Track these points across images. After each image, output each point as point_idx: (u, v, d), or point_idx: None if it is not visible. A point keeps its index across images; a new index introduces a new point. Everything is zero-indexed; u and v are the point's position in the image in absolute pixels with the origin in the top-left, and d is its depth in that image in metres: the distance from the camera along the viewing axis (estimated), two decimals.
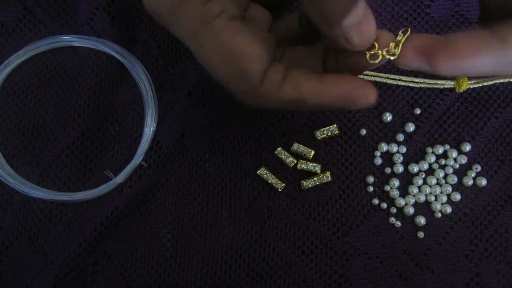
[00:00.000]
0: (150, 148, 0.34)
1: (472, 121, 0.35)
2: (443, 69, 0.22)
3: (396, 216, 0.34)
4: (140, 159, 0.34)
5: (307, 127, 0.35)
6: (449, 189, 0.34)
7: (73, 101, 0.35)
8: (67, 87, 0.36)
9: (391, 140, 0.35)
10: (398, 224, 0.34)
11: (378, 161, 0.35)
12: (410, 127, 0.35)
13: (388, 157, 0.35)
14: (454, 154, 0.35)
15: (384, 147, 0.35)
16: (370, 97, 0.25)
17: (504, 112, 0.35)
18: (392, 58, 0.24)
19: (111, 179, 0.34)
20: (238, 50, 0.24)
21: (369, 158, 0.35)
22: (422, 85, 0.35)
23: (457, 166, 0.35)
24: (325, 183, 0.34)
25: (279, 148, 0.35)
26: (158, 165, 0.34)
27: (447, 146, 0.35)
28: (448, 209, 0.34)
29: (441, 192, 0.34)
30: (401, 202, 0.34)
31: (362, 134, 0.35)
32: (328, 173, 0.34)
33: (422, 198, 0.34)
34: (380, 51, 0.24)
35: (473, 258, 0.34)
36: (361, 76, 0.35)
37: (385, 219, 0.34)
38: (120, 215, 0.34)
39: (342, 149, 0.35)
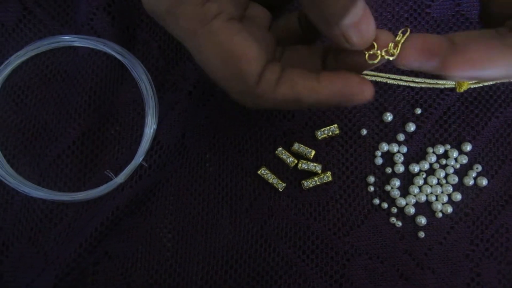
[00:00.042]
0: (151, 148, 0.34)
1: (472, 121, 0.35)
2: (456, 74, 0.22)
3: (397, 216, 0.34)
4: (141, 159, 0.34)
5: (307, 127, 0.35)
6: (450, 189, 0.34)
7: (73, 101, 0.35)
8: (68, 87, 0.36)
9: (392, 140, 0.35)
10: (399, 224, 0.34)
11: (379, 161, 0.35)
12: (411, 127, 0.35)
13: (388, 157, 0.35)
14: (455, 154, 0.35)
15: (384, 147, 0.35)
16: (367, 93, 0.25)
17: (504, 112, 0.35)
18: (391, 58, 0.24)
19: (111, 179, 0.34)
20: (235, 51, 0.24)
21: (369, 158, 0.35)
22: (423, 85, 0.35)
23: (458, 166, 0.35)
24: (326, 183, 0.34)
25: (280, 148, 0.35)
26: (158, 165, 0.34)
27: (448, 146, 0.35)
28: (449, 209, 0.34)
29: (442, 192, 0.34)
30: (402, 202, 0.34)
31: (363, 134, 0.35)
32: (328, 173, 0.34)
33: (423, 198, 0.34)
34: (379, 52, 0.24)
35: (474, 258, 0.34)
36: (362, 75, 0.35)
37: (386, 219, 0.34)
38: (121, 215, 0.34)
39: (342, 149, 0.35)
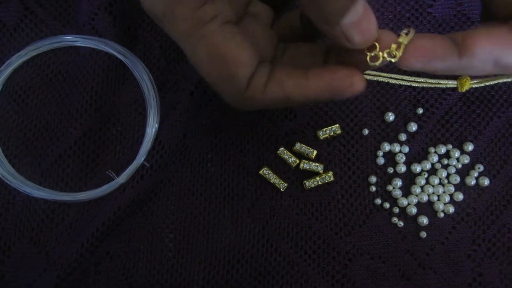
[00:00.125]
0: (152, 148, 0.34)
1: (474, 121, 0.35)
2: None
3: (398, 216, 0.34)
4: (142, 159, 0.34)
5: (309, 127, 0.35)
6: (452, 189, 0.34)
7: (75, 101, 0.35)
8: (69, 87, 0.36)
9: (393, 140, 0.35)
10: (401, 224, 0.34)
11: (381, 161, 0.35)
12: (413, 127, 0.35)
13: (390, 157, 0.35)
14: (456, 154, 0.35)
15: (386, 147, 0.35)
16: (357, 85, 0.25)
17: (506, 112, 0.35)
18: (393, 60, 0.23)
19: (113, 179, 0.34)
20: (227, 55, 0.24)
21: (371, 158, 0.35)
22: (425, 85, 0.35)
23: (459, 166, 0.35)
24: (328, 183, 0.34)
25: (282, 148, 0.35)
26: (160, 165, 0.34)
27: (450, 146, 0.35)
28: (451, 209, 0.34)
29: (444, 192, 0.34)
30: (403, 202, 0.34)
31: (365, 134, 0.35)
32: (330, 173, 0.34)
33: (425, 198, 0.34)
34: (381, 53, 0.24)
35: (475, 258, 0.34)
36: (364, 75, 0.35)
37: (387, 219, 0.34)
38: (123, 215, 0.34)
39: (344, 149, 0.35)
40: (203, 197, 0.35)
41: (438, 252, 0.34)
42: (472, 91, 0.35)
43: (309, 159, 0.35)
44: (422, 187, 0.34)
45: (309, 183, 0.34)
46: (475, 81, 0.35)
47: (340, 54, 0.26)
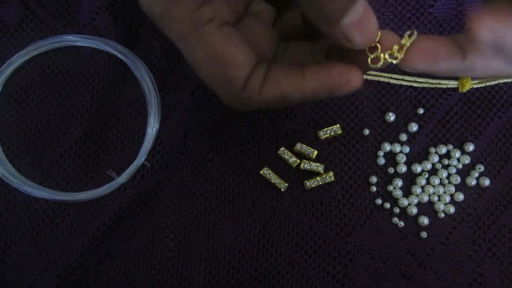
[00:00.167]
0: (153, 148, 0.34)
1: (475, 121, 0.35)
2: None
3: (399, 216, 0.34)
4: (143, 159, 0.34)
5: (310, 127, 0.35)
6: (452, 189, 0.34)
7: (75, 101, 0.35)
8: (70, 87, 0.36)
9: (394, 140, 0.35)
10: (401, 224, 0.34)
11: (381, 161, 0.35)
12: (413, 127, 0.35)
13: (391, 157, 0.35)
14: (457, 154, 0.35)
15: (387, 147, 0.35)
16: (354, 81, 0.24)
17: (507, 112, 0.35)
18: (394, 62, 0.23)
19: (114, 179, 0.34)
20: (224, 56, 0.24)
21: (372, 158, 0.35)
22: (425, 85, 0.35)
23: (460, 166, 0.35)
24: (328, 183, 0.34)
25: (282, 148, 0.35)
26: (161, 165, 0.34)
27: (450, 146, 0.35)
28: (451, 209, 0.34)
29: (444, 192, 0.34)
30: (404, 202, 0.34)
31: (365, 134, 0.35)
32: (331, 173, 0.34)
33: (425, 198, 0.34)
34: (382, 54, 0.23)
35: (476, 258, 0.34)
36: (365, 75, 0.35)
37: (388, 219, 0.34)
38: (123, 215, 0.34)
39: (345, 149, 0.35)
40: (203, 197, 0.35)
41: (438, 252, 0.34)
42: (472, 91, 0.36)
43: (309, 159, 0.35)
44: (422, 187, 0.34)
45: (310, 183, 0.34)
46: (475, 82, 0.35)
47: (341, 54, 0.26)
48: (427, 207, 0.34)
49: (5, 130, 0.35)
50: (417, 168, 0.35)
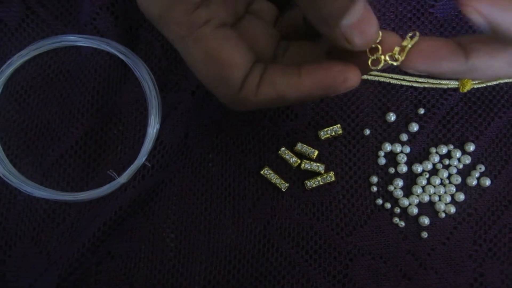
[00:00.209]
0: (154, 148, 0.34)
1: (476, 121, 0.35)
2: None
3: (400, 216, 0.34)
4: (144, 159, 0.34)
5: (310, 127, 0.35)
6: (453, 189, 0.34)
7: (76, 101, 0.35)
8: (71, 86, 0.36)
9: (395, 140, 0.35)
10: (402, 224, 0.34)
11: (382, 161, 0.35)
12: (414, 127, 0.35)
13: (392, 157, 0.35)
14: (458, 154, 0.35)
15: (387, 147, 0.35)
16: (352, 80, 0.24)
17: (508, 112, 0.35)
18: (395, 63, 0.23)
19: (114, 179, 0.34)
20: (220, 57, 0.24)
21: (372, 158, 0.35)
22: (426, 85, 0.35)
23: (461, 166, 0.35)
24: (329, 183, 0.34)
25: (283, 148, 0.35)
26: (161, 165, 0.34)
27: (451, 146, 0.35)
28: (452, 209, 0.34)
29: (445, 192, 0.34)
30: (405, 202, 0.34)
31: (366, 134, 0.35)
32: (331, 173, 0.34)
33: (426, 198, 0.34)
34: (382, 56, 0.23)
35: (477, 258, 0.34)
36: (365, 76, 0.35)
37: (388, 219, 0.34)
38: (124, 215, 0.34)
39: (345, 149, 0.35)
40: (204, 197, 0.35)
41: (439, 252, 0.34)
42: (473, 91, 0.36)
43: (310, 159, 0.35)
44: (423, 187, 0.34)
45: (310, 183, 0.34)
46: (476, 82, 0.35)
47: (342, 54, 0.26)
48: (427, 207, 0.34)
49: (6, 130, 0.35)
50: (418, 168, 0.35)
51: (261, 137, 0.35)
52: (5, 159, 0.35)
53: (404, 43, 0.23)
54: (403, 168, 0.35)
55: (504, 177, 0.35)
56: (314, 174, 0.35)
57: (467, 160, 0.35)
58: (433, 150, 0.35)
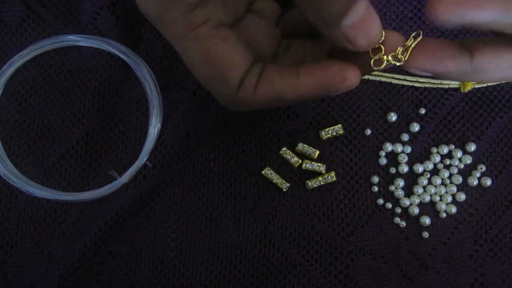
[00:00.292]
0: (155, 148, 0.34)
1: (477, 121, 0.35)
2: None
3: (401, 216, 0.34)
4: (145, 159, 0.34)
5: (312, 127, 0.35)
6: (454, 189, 0.34)
7: (77, 100, 0.35)
8: (72, 86, 0.36)
9: (396, 140, 0.35)
10: (403, 224, 0.34)
11: (383, 161, 0.35)
12: (415, 127, 0.35)
13: (393, 157, 0.35)
14: (459, 154, 0.35)
15: (389, 147, 0.35)
16: (351, 79, 0.24)
17: (509, 112, 0.35)
18: (397, 64, 0.23)
19: (115, 179, 0.34)
20: (218, 58, 0.24)
21: (374, 158, 0.35)
22: (427, 85, 0.35)
23: (462, 166, 0.35)
24: (330, 183, 0.34)
25: (284, 148, 0.35)
26: (163, 165, 0.34)
27: (452, 146, 0.35)
28: (453, 209, 0.34)
29: (446, 192, 0.34)
30: (406, 202, 0.34)
31: (367, 134, 0.35)
32: (333, 173, 0.34)
33: (427, 198, 0.34)
34: (385, 57, 0.23)
35: (478, 258, 0.34)
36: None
37: (390, 219, 0.34)
38: (125, 215, 0.34)
39: (347, 149, 0.35)
40: (205, 197, 0.35)
41: (440, 252, 0.34)
42: (474, 91, 0.36)
43: (311, 159, 0.35)
44: (424, 187, 0.35)
45: (312, 183, 0.34)
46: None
47: (344, 54, 0.26)
48: (428, 207, 0.34)
49: (7, 130, 0.35)
50: (419, 168, 0.35)
51: (262, 137, 0.35)
52: (6, 159, 0.35)
53: (408, 43, 0.23)
54: (404, 168, 0.35)
55: (505, 177, 0.35)
56: (315, 174, 0.35)
57: (468, 160, 0.35)
58: (434, 150, 0.35)
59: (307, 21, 0.28)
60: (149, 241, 0.34)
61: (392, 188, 0.35)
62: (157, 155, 0.34)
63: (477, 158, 0.35)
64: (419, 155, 0.35)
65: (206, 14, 0.24)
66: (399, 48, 0.23)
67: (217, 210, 0.35)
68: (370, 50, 0.23)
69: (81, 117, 0.35)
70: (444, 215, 0.34)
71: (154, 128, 0.34)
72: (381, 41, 0.23)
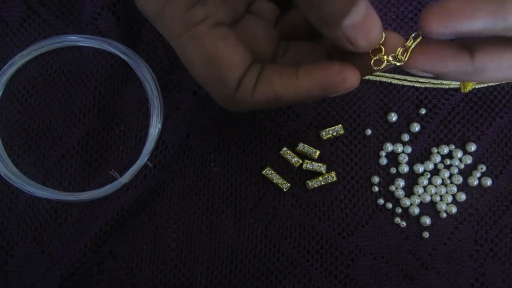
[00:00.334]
0: (156, 148, 0.34)
1: (477, 121, 0.35)
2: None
3: (401, 216, 0.34)
4: (146, 159, 0.34)
5: (312, 127, 0.35)
6: (454, 189, 0.34)
7: (78, 100, 0.35)
8: (72, 86, 0.36)
9: (396, 140, 0.35)
10: (403, 224, 0.34)
11: (383, 161, 0.35)
12: (415, 127, 0.35)
13: (393, 157, 0.35)
14: (459, 154, 0.35)
15: (389, 147, 0.35)
16: (351, 80, 0.24)
17: (509, 112, 0.35)
18: (398, 64, 0.23)
19: (116, 179, 0.34)
20: (217, 57, 0.24)
21: (374, 158, 0.35)
22: (427, 85, 0.35)
23: (462, 166, 0.35)
24: (331, 183, 0.34)
25: (285, 148, 0.35)
26: (163, 165, 0.34)
27: (452, 146, 0.35)
28: (453, 209, 0.34)
29: (446, 192, 0.34)
30: (406, 202, 0.34)
31: (368, 134, 0.35)
32: (333, 173, 0.34)
33: (427, 198, 0.34)
34: (385, 57, 0.23)
35: (478, 258, 0.34)
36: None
37: (390, 219, 0.34)
38: (126, 215, 0.34)
39: (347, 149, 0.35)
40: (206, 197, 0.35)
41: (440, 252, 0.34)
42: (474, 91, 0.36)
43: (312, 159, 0.35)
44: (424, 187, 0.35)
45: (312, 183, 0.34)
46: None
47: (344, 55, 0.26)
48: (429, 207, 0.34)
49: (8, 130, 0.35)
50: (419, 168, 0.35)
51: (262, 137, 0.35)
52: (7, 159, 0.35)
53: (408, 44, 0.23)
54: (405, 168, 0.35)
55: (506, 177, 0.35)
56: (315, 174, 0.35)
57: (469, 160, 0.35)
58: (435, 150, 0.35)
59: (305, 23, 0.28)
60: (150, 241, 0.34)
61: (392, 188, 0.35)
62: (157, 155, 0.34)
63: (478, 158, 0.35)
64: (420, 155, 0.35)
65: (205, 12, 0.24)
66: (399, 49, 0.23)
67: (217, 210, 0.35)
68: (370, 51, 0.23)
69: (81, 117, 0.35)
70: (445, 215, 0.34)
71: (155, 128, 0.34)
72: (381, 42, 0.23)
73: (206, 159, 0.35)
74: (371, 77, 0.35)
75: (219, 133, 0.35)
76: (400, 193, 0.34)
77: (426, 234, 0.34)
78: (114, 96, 0.35)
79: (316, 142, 0.35)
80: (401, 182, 0.34)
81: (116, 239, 0.34)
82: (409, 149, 0.35)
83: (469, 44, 0.22)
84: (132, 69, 0.35)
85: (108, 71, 0.35)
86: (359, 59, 0.24)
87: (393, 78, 0.35)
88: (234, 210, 0.35)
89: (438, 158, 0.35)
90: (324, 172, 0.34)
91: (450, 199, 0.34)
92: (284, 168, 0.35)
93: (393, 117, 0.35)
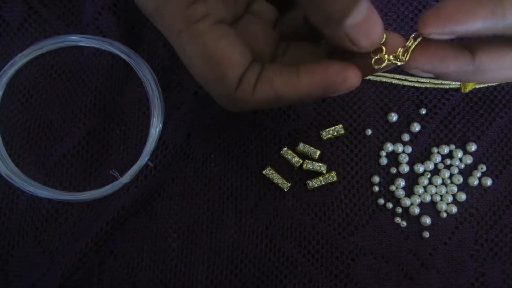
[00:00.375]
0: (156, 148, 0.34)
1: (477, 121, 0.35)
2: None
3: (401, 216, 0.34)
4: (146, 159, 0.34)
5: (313, 127, 0.35)
6: (455, 189, 0.34)
7: (78, 100, 0.35)
8: (73, 86, 0.36)
9: (396, 140, 0.35)
10: (404, 224, 0.34)
11: (384, 161, 0.35)
12: (416, 127, 0.35)
13: (393, 157, 0.35)
14: (459, 154, 0.35)
15: (389, 147, 0.35)
16: (351, 80, 0.24)
17: (509, 112, 0.35)
18: (398, 63, 0.23)
19: (117, 179, 0.34)
20: (216, 55, 0.24)
21: (374, 158, 0.35)
22: (428, 85, 0.35)
23: (462, 166, 0.35)
24: (331, 183, 0.35)
25: (285, 148, 0.35)
26: (164, 165, 0.34)
27: (453, 146, 0.35)
28: (454, 209, 0.34)
29: (447, 192, 0.34)
30: (406, 202, 0.34)
31: (368, 134, 0.35)
32: (333, 173, 0.34)
33: (428, 198, 0.34)
34: (386, 56, 0.23)
35: (478, 258, 0.34)
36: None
37: (390, 219, 0.34)
38: (126, 215, 0.34)
39: (347, 149, 0.35)
40: (206, 197, 0.35)
41: (441, 252, 0.34)
42: (475, 91, 0.36)
43: (312, 159, 0.35)
44: (425, 187, 0.35)
45: (312, 183, 0.34)
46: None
47: (344, 55, 0.26)
48: (429, 207, 0.35)
49: (9, 130, 0.35)
50: (420, 168, 0.35)
51: (263, 137, 0.35)
52: (7, 159, 0.35)
53: (408, 44, 0.23)
54: (405, 168, 0.35)
55: (506, 177, 0.35)
56: (316, 174, 0.35)
57: (469, 160, 0.35)
58: (435, 150, 0.35)
59: (305, 24, 0.28)
60: (151, 241, 0.34)
61: (392, 188, 0.35)
62: (158, 155, 0.34)
63: (478, 158, 0.35)
64: (420, 155, 0.35)
65: (206, 9, 0.24)
66: (399, 49, 0.23)
67: (218, 210, 0.35)
68: (371, 52, 0.23)
69: (82, 117, 0.35)
70: (445, 215, 0.34)
71: (156, 128, 0.34)
72: (381, 42, 0.23)
73: (206, 159, 0.35)
74: (371, 77, 0.35)
75: (220, 133, 0.35)
76: (401, 193, 0.34)
77: (426, 234, 0.34)
78: (115, 96, 0.35)
79: (317, 142, 0.35)
80: (401, 182, 0.35)
81: (117, 239, 0.34)
82: (409, 149, 0.35)
83: (469, 44, 0.22)
84: (133, 69, 0.35)
85: (109, 71, 0.35)
86: (360, 58, 0.24)
87: (394, 78, 0.35)
88: (234, 210, 0.35)
89: (438, 158, 0.35)
90: (324, 172, 0.34)
91: (450, 199, 0.34)
92: (284, 168, 0.35)
93: (394, 117, 0.35)
